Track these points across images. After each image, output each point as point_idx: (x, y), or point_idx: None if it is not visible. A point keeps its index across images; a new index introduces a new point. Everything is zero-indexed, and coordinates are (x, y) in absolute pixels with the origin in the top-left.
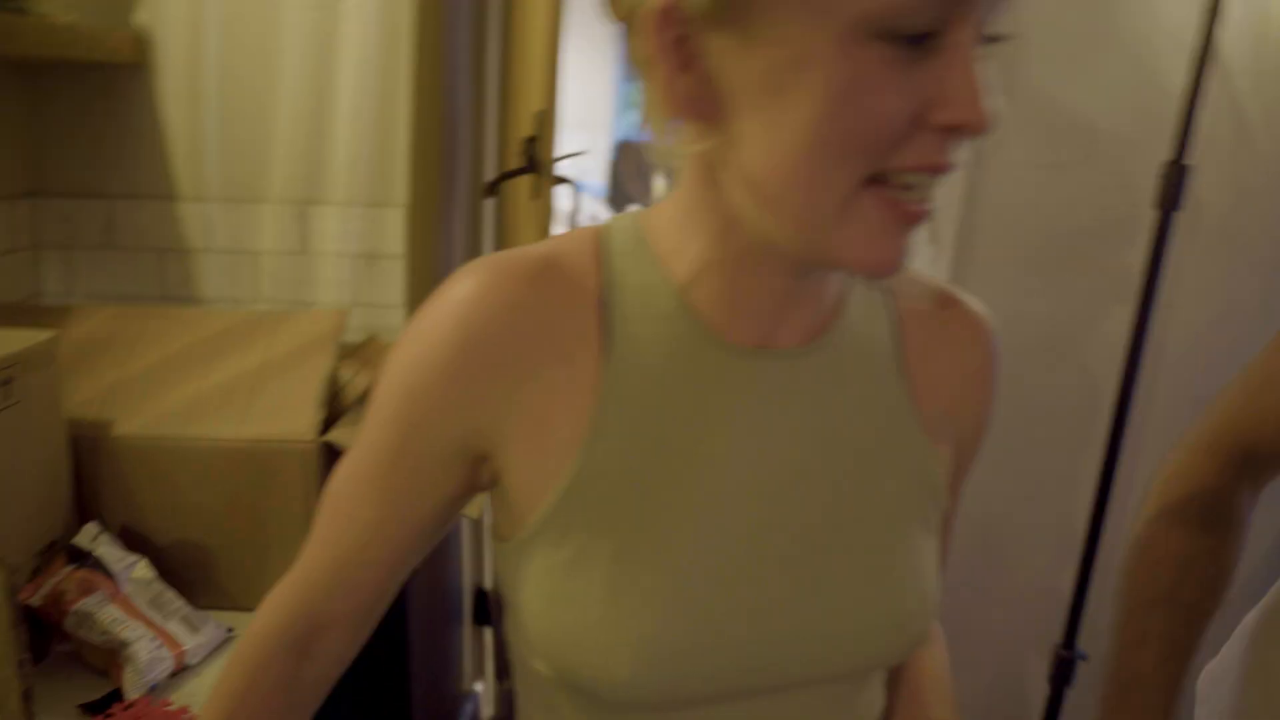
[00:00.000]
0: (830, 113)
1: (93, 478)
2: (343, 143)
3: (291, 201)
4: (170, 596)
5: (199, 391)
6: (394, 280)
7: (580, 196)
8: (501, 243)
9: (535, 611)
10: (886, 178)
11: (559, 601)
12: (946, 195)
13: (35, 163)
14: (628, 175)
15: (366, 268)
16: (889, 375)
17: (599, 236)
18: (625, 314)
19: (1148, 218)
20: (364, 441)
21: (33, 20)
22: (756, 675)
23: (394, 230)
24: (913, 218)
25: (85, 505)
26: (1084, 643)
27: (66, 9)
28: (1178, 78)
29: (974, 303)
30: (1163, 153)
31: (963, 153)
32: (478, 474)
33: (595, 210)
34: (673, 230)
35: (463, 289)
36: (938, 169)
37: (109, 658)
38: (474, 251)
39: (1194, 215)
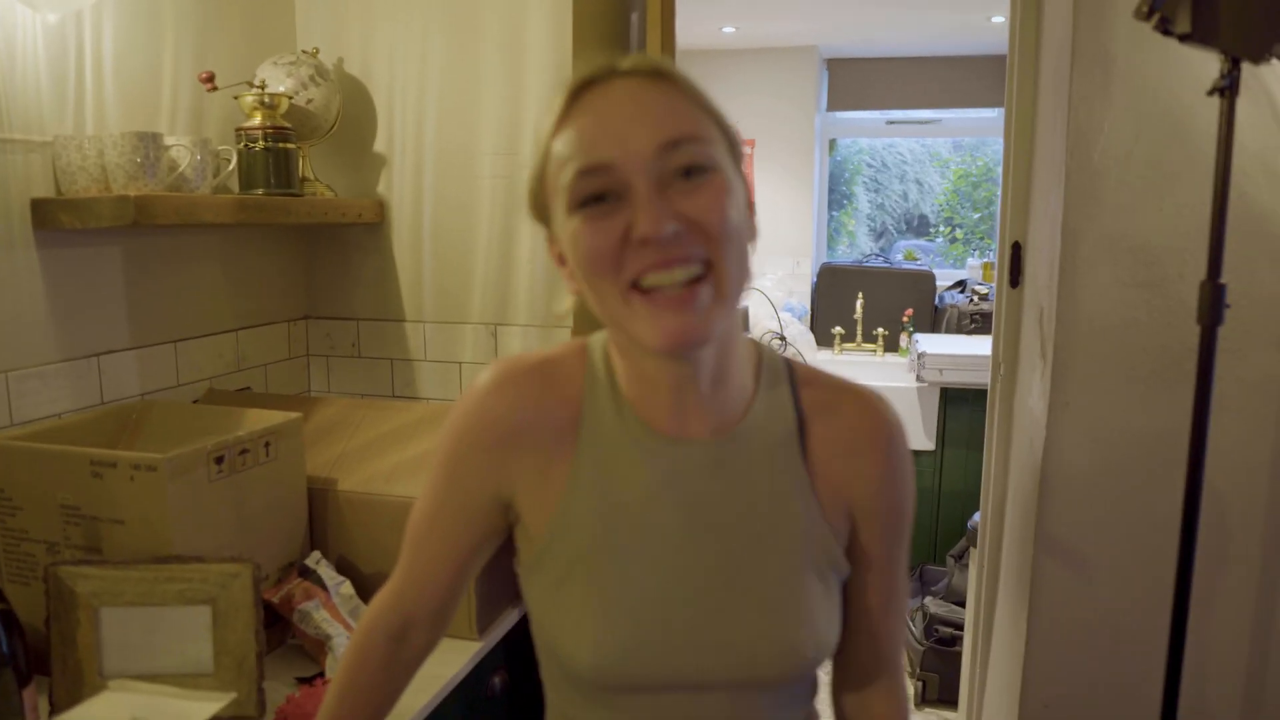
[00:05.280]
0: (577, 254)
1: (321, 519)
2: (524, 279)
3: (486, 323)
4: (364, 608)
5: (399, 461)
6: None
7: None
8: None
9: (538, 616)
10: (640, 284)
11: (550, 609)
12: (1042, 313)
13: (309, 295)
14: (829, 296)
15: None
16: (790, 460)
17: (586, 348)
18: (594, 409)
19: (1248, 332)
20: (425, 491)
21: (306, 199)
22: (680, 673)
23: None
24: (674, 303)
25: (314, 537)
26: None
27: (328, 188)
28: (1260, 197)
29: (865, 391)
30: (1248, 269)
31: (1041, 273)
32: (505, 515)
33: (798, 329)
34: (612, 348)
35: (484, 384)
36: (660, 265)
37: (318, 647)
38: None
39: None
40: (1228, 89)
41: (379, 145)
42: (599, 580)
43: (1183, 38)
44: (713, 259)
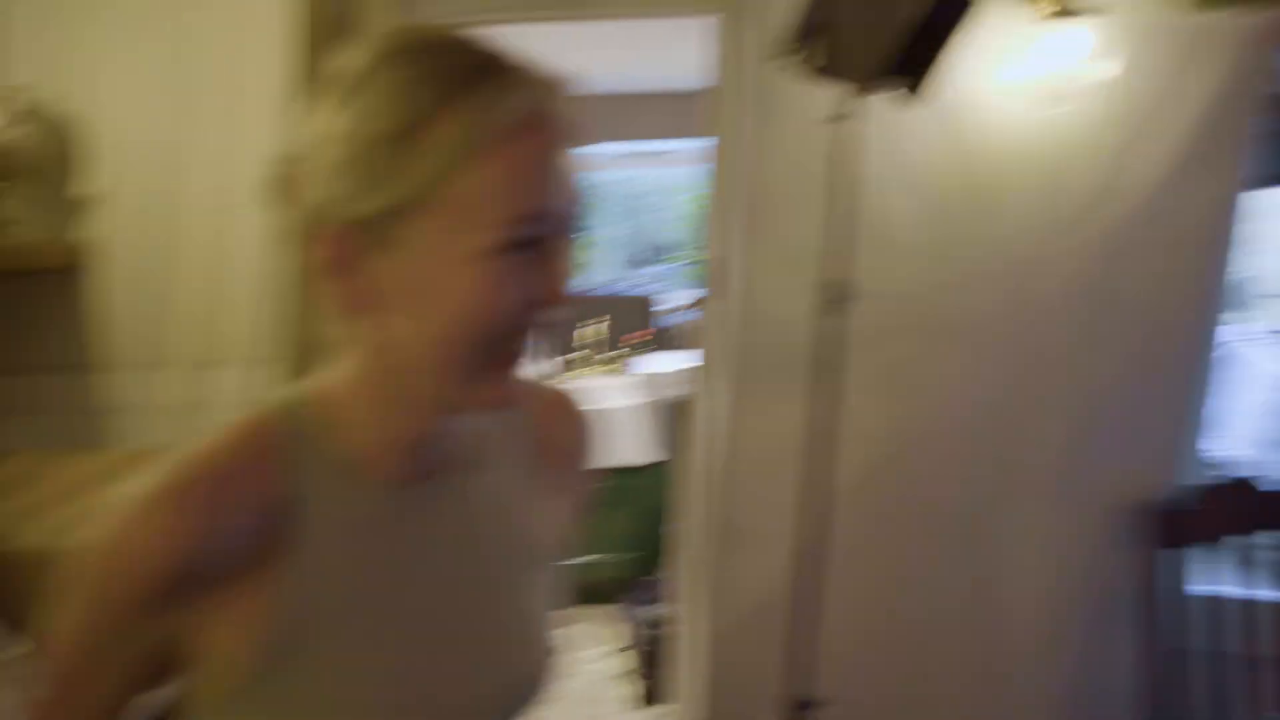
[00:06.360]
0: (474, 300)
1: None
2: (242, 316)
3: (195, 363)
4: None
5: (79, 511)
6: None
7: None
8: None
9: None
10: (509, 345)
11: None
12: (728, 320)
13: None
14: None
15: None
16: (522, 471)
17: (265, 420)
18: (308, 489)
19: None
20: (72, 629)
21: None
22: None
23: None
24: (510, 364)
25: None
26: None
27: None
28: (888, 204)
29: (560, 392)
30: (882, 266)
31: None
32: (179, 649)
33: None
34: (348, 398)
35: (139, 518)
36: (544, 329)
37: None
38: None
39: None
40: (845, 115)
41: (87, 185)
42: (356, 667)
43: (821, 71)
44: None
